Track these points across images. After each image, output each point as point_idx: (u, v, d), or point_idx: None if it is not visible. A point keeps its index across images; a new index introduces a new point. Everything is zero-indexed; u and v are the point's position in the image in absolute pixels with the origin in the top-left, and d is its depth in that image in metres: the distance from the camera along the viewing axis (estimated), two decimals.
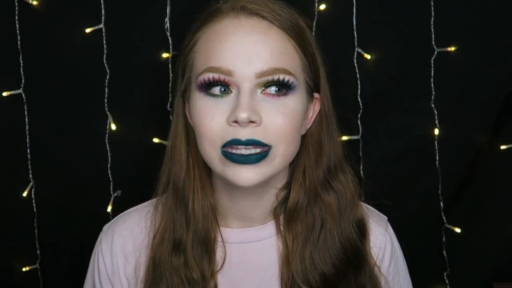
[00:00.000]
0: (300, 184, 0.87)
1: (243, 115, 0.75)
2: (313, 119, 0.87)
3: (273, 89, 0.78)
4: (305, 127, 0.86)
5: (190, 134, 0.86)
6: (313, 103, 0.87)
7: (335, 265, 0.86)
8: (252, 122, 0.76)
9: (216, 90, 0.78)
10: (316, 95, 0.86)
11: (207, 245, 0.86)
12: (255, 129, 0.77)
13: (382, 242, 0.92)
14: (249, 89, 0.77)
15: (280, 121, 0.78)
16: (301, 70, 0.82)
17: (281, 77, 0.78)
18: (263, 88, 0.78)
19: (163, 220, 0.87)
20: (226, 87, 0.78)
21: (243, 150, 0.77)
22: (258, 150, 0.77)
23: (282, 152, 0.79)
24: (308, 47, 0.83)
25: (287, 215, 0.87)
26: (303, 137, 0.87)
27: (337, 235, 0.87)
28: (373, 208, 0.97)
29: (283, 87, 0.79)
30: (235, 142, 0.77)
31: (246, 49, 0.77)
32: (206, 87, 0.79)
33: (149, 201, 0.92)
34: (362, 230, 0.90)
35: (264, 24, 0.80)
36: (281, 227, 0.89)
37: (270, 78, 0.78)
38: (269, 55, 0.78)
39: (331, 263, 0.86)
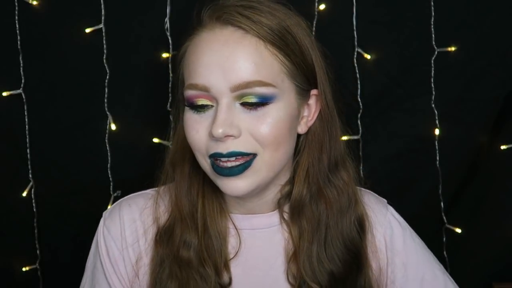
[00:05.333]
0: (303, 181, 0.87)
1: (218, 131, 0.76)
2: (316, 115, 0.86)
3: (250, 102, 0.78)
4: (306, 125, 0.86)
5: None
6: (314, 100, 0.86)
7: (341, 263, 0.87)
8: (229, 136, 0.77)
9: (198, 105, 0.79)
10: (314, 91, 0.85)
11: (219, 236, 0.87)
12: (235, 141, 0.78)
13: (384, 227, 0.93)
14: (226, 103, 0.77)
15: (262, 130, 0.78)
16: (285, 76, 0.80)
17: (257, 90, 0.77)
18: (241, 100, 0.78)
19: (173, 213, 0.88)
20: (205, 102, 0.79)
21: (227, 163, 0.78)
22: (240, 161, 0.78)
23: (268, 159, 0.80)
24: (293, 49, 0.81)
25: (291, 210, 0.88)
26: (306, 134, 0.87)
27: (340, 233, 0.88)
28: (371, 193, 0.97)
29: (261, 99, 0.78)
30: (217, 155, 0.78)
31: (219, 63, 0.77)
32: (189, 101, 0.80)
33: (154, 189, 0.93)
34: (362, 226, 0.90)
35: (238, 34, 0.78)
36: (285, 216, 0.90)
37: (245, 91, 0.77)
38: (242, 68, 0.76)
39: (338, 261, 0.87)
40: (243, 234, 0.88)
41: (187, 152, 0.87)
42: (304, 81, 0.83)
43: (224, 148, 0.78)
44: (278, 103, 0.79)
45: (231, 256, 0.87)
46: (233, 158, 0.78)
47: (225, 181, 0.80)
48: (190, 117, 0.81)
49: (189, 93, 0.79)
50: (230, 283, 0.86)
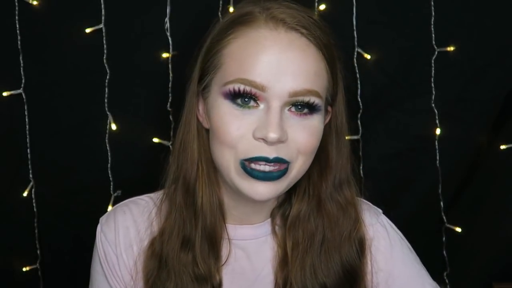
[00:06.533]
0: (304, 192, 0.87)
1: (273, 135, 0.74)
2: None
3: (301, 110, 0.77)
4: None
5: (200, 131, 0.85)
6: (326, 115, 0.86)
7: (336, 278, 0.87)
8: (281, 141, 0.76)
9: (244, 101, 0.77)
10: (329, 108, 0.86)
11: (214, 242, 0.86)
12: (280, 146, 0.76)
13: (371, 234, 0.91)
14: (279, 107, 0.76)
15: (303, 140, 0.78)
16: (326, 90, 0.81)
17: (312, 99, 0.77)
18: (291, 106, 0.77)
19: (171, 216, 0.87)
20: (255, 100, 0.76)
21: (265, 167, 0.77)
22: (278, 167, 0.77)
23: (298, 167, 0.80)
24: (334, 66, 0.82)
25: (289, 222, 0.87)
26: None
27: (338, 251, 0.87)
28: (364, 203, 0.95)
29: (310, 108, 0.78)
30: (262, 159, 0.76)
31: (282, 65, 0.75)
32: (234, 96, 0.77)
33: (146, 194, 0.93)
34: (363, 248, 0.89)
35: (303, 42, 0.77)
36: (276, 228, 0.89)
37: (301, 98, 0.76)
38: (304, 75, 0.76)
39: (333, 277, 0.86)
40: (233, 244, 0.88)
41: (194, 152, 0.84)
42: (330, 97, 0.84)
43: (269, 153, 0.76)
44: (319, 115, 0.80)
45: (222, 263, 0.87)
46: (272, 163, 0.77)
47: (254, 184, 0.77)
48: (229, 111, 0.77)
49: (239, 86, 0.76)
50: (220, 285, 0.87)
